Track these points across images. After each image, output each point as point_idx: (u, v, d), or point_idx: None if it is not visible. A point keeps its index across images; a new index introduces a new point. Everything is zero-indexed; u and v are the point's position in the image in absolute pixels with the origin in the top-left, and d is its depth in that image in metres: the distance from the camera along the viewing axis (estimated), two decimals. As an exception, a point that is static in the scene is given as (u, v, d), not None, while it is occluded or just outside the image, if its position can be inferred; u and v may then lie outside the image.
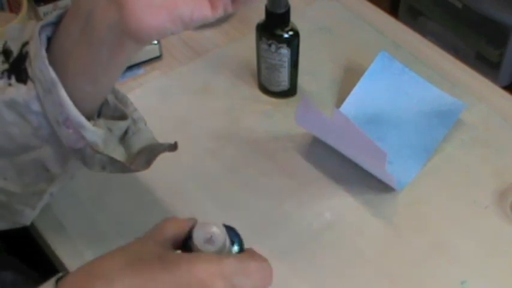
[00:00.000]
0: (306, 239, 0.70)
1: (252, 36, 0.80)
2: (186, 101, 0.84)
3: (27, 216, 0.64)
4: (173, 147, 0.59)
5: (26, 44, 0.54)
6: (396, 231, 0.71)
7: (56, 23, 0.54)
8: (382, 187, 0.74)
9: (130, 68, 0.87)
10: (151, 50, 0.88)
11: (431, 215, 0.72)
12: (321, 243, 0.69)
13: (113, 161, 0.57)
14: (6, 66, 0.56)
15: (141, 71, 0.88)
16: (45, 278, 0.45)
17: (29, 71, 0.53)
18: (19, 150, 0.56)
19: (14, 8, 0.92)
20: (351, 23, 0.94)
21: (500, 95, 0.85)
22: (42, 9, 0.91)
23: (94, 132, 0.55)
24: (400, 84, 0.82)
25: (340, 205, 0.73)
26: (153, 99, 0.84)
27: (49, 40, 0.54)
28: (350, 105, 0.80)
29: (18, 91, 0.54)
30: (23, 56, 0.54)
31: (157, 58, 0.89)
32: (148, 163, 0.59)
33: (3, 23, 0.88)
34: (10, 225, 0.65)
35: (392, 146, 0.76)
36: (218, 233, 0.47)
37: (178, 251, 0.48)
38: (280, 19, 0.77)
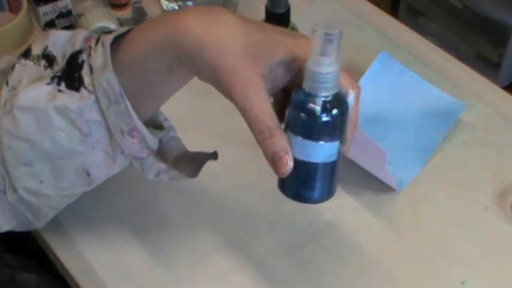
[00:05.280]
0: (306, 239, 0.70)
1: (252, 36, 0.80)
2: (186, 101, 0.84)
3: (47, 219, 0.64)
4: (214, 156, 0.62)
5: (78, 52, 0.55)
6: (396, 231, 0.71)
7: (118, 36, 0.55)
8: (382, 187, 0.73)
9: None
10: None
11: (431, 215, 0.72)
12: (321, 243, 0.69)
13: (168, 169, 0.59)
14: (49, 71, 0.56)
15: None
16: (44, 278, 0.45)
17: (86, 79, 0.54)
18: (63, 155, 0.56)
19: (14, 8, 0.92)
20: (351, 23, 0.94)
21: (500, 95, 0.85)
22: (42, 9, 0.91)
23: (154, 142, 0.57)
24: (400, 84, 0.82)
25: (340, 205, 0.73)
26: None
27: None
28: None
29: (71, 98, 0.54)
30: (77, 65, 0.55)
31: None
32: (194, 172, 0.61)
33: (3, 23, 0.88)
34: (22, 228, 0.65)
35: (393, 146, 0.76)
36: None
37: None
38: (280, 19, 0.77)
